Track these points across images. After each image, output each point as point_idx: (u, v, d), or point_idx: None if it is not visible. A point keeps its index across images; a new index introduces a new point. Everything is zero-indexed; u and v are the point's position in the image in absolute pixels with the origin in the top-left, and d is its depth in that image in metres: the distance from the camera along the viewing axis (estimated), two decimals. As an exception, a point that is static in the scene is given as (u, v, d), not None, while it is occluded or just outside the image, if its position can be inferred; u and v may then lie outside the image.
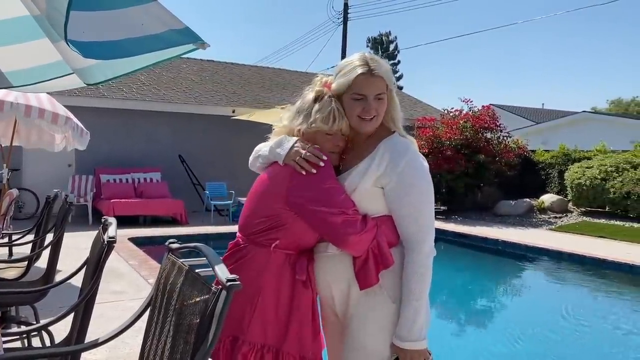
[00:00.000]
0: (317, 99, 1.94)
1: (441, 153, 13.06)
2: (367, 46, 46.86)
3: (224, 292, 1.20)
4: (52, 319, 2.06)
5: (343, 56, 26.39)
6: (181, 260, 1.55)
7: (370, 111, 1.80)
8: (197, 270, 1.45)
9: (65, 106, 6.61)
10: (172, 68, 15.13)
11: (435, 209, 9.18)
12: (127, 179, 11.85)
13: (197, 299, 1.30)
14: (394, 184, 1.76)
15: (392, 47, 46.65)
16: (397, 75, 46.69)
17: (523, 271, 9.23)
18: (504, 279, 8.74)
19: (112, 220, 2.10)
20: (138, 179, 11.96)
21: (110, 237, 1.90)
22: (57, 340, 2.55)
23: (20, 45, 2.19)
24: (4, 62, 2.31)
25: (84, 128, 6.72)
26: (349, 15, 26.89)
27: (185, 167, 12.49)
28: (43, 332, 2.78)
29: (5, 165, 7.07)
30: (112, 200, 10.73)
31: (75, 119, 6.42)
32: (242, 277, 1.49)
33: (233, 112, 12.63)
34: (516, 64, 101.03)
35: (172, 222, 11.17)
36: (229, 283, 1.19)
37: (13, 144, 6.96)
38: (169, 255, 1.62)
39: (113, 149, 12.20)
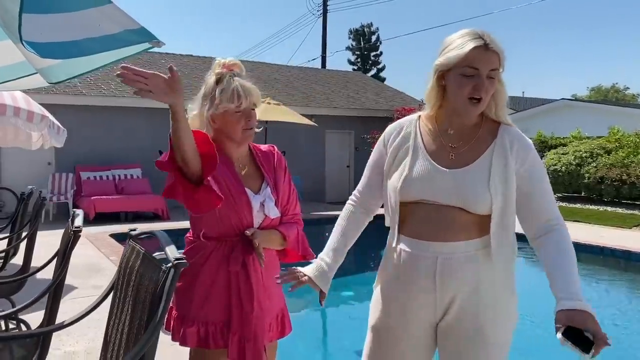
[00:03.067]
0: (219, 80, 2.02)
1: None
2: (349, 38, 46.85)
3: (172, 270, 1.32)
4: (24, 304, 2.16)
5: (324, 48, 26.46)
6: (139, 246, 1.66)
7: (481, 89, 1.63)
8: (155, 255, 1.56)
9: (42, 104, 6.64)
10: (150, 64, 15.10)
11: None
12: (107, 176, 11.86)
13: (150, 278, 1.42)
14: (529, 170, 1.69)
15: (374, 38, 46.73)
16: (380, 66, 46.80)
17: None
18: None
19: (80, 212, 2.20)
20: (118, 176, 11.98)
21: (75, 227, 2.00)
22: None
23: (-15, 46, 2.28)
24: (-30, 62, 2.40)
25: (60, 126, 6.76)
26: (328, 7, 26.95)
27: (166, 163, 12.53)
28: (21, 324, 2.88)
29: (-18, 164, 7.08)
30: (92, 198, 10.75)
31: (51, 117, 6.45)
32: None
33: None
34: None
35: (154, 217, 11.22)
36: (176, 261, 1.31)
37: (-10, 143, 6.98)
38: (130, 242, 1.73)
39: (93, 147, 12.19)
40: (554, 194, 10.48)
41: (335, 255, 1.91)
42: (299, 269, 1.89)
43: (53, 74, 1.90)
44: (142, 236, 1.66)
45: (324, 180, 15.43)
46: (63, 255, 2.15)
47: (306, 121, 11.83)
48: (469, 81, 1.64)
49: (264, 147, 2.27)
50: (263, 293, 2.04)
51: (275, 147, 2.29)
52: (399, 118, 9.21)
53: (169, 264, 1.33)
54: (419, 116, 1.84)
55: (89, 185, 11.35)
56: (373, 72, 46.19)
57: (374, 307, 1.86)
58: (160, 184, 11.74)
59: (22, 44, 1.40)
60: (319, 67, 25.14)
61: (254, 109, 2.05)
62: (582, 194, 12.97)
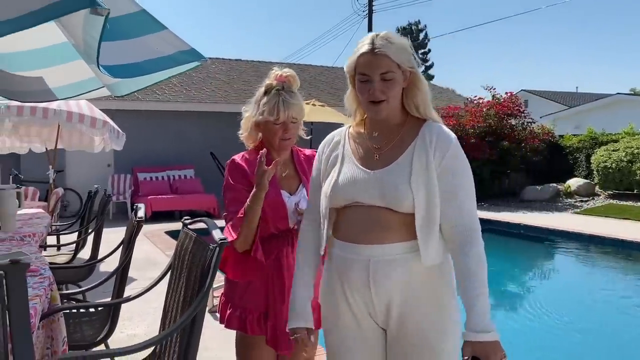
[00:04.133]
0: (266, 92, 2.16)
1: (465, 141, 13.26)
2: (396, 36, 46.74)
3: (217, 248, 1.63)
4: (95, 283, 2.55)
5: (369, 49, 26.60)
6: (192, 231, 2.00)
7: (375, 93, 1.65)
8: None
9: (103, 110, 7.21)
10: (202, 69, 15.74)
11: None
12: (162, 177, 12.53)
13: (201, 256, 1.74)
14: (445, 166, 1.64)
15: (422, 36, 46.44)
16: (428, 64, 46.45)
17: (543, 254, 9.43)
18: (525, 262, 8.95)
19: (141, 206, 2.57)
20: (173, 176, 12.63)
21: (139, 218, 2.36)
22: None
23: (62, 65, 2.69)
24: (50, 79, 2.83)
25: (120, 130, 7.31)
26: (374, 8, 27.06)
27: (216, 163, 13.08)
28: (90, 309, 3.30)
29: (50, 166, 7.74)
30: (149, 197, 11.40)
31: (111, 122, 6.99)
32: None
33: None
34: (548, 48, 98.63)
35: (206, 215, 11.74)
36: (220, 241, 1.63)
37: (57, 147, 7.62)
38: (184, 229, 2.07)
39: (149, 149, 12.88)
40: (604, 190, 10.28)
41: (312, 288, 1.88)
42: (307, 337, 1.83)
43: (118, 89, 2.27)
44: (193, 223, 1.98)
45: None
46: (128, 243, 2.52)
47: (351, 122, 12.04)
48: (365, 86, 1.68)
49: (308, 151, 2.38)
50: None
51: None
52: (444, 116, 9.34)
53: (215, 244, 1.65)
54: (350, 126, 1.88)
55: (145, 186, 12.03)
56: (421, 70, 45.90)
57: (322, 311, 1.86)
58: (211, 184, 12.30)
59: (99, 68, 1.75)
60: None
61: (294, 122, 2.17)
62: (635, 191, 12.66)
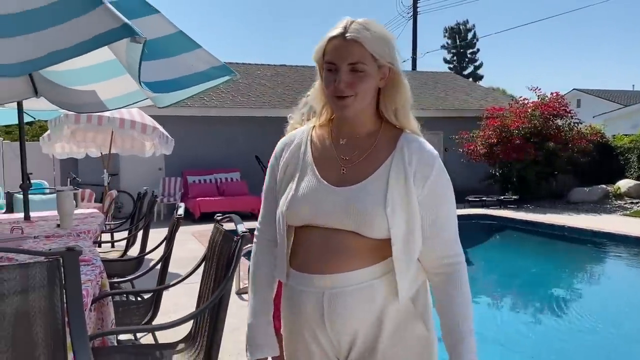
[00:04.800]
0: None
1: (510, 142, 13.15)
2: (444, 36, 46.35)
3: (240, 240, 1.88)
4: (141, 272, 2.86)
5: (414, 50, 26.60)
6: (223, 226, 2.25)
7: (339, 86, 1.38)
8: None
9: (154, 116, 7.66)
10: (247, 74, 16.23)
11: (505, 198, 9.65)
12: (210, 179, 13.06)
13: (227, 247, 1.99)
14: (429, 192, 1.43)
15: (470, 35, 45.85)
16: (477, 63, 45.80)
17: (588, 256, 9.28)
18: (568, 264, 8.85)
19: (182, 205, 2.87)
20: (220, 179, 13.14)
21: (178, 215, 2.66)
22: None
23: (112, 80, 3.02)
24: (102, 92, 3.18)
25: (169, 135, 7.74)
26: (419, 9, 27.03)
27: (261, 166, 13.47)
28: (138, 297, 3.63)
29: (105, 170, 8.27)
30: (197, 199, 11.91)
31: (161, 128, 7.43)
32: None
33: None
34: (602, 46, 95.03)
35: (252, 216, 12.17)
36: (242, 234, 1.88)
37: (111, 152, 8.14)
38: (216, 225, 2.33)
39: (197, 153, 13.42)
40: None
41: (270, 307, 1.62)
42: None
43: (161, 101, 2.56)
44: (224, 220, 2.24)
45: (413, 181, 15.62)
46: (170, 237, 2.82)
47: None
48: (331, 77, 1.41)
49: None
50: None
51: None
52: (488, 118, 9.38)
53: (238, 237, 1.90)
54: (314, 126, 1.59)
55: (194, 188, 12.57)
56: (470, 69, 45.39)
57: (285, 352, 1.61)
58: (255, 186, 12.71)
59: (140, 84, 2.02)
60: (410, 69, 25.34)
61: None
62: (690, 192, 12.24)
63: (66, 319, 1.64)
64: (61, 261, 1.62)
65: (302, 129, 1.60)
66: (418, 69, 25.51)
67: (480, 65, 46.19)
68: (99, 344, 2.26)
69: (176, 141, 8.09)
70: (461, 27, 45.88)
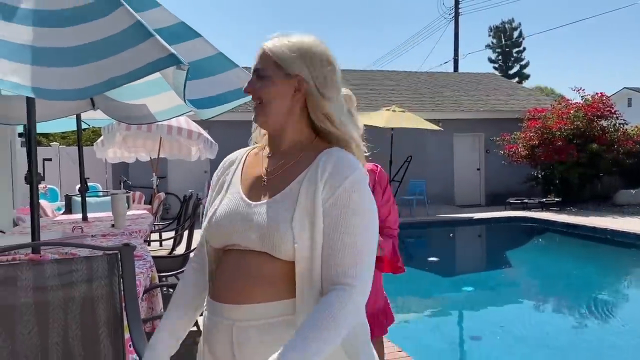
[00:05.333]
0: None
1: (551, 144, 13.02)
2: (489, 35, 45.66)
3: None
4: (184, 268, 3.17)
5: (456, 51, 26.44)
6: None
7: (247, 88, 1.37)
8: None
9: (198, 123, 8.07)
10: (289, 79, 16.60)
11: (548, 200, 9.77)
12: (252, 182, 13.46)
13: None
14: (333, 204, 1.26)
15: (516, 34, 45.02)
16: (523, 62, 44.93)
17: (632, 260, 9.15)
18: (612, 268, 8.75)
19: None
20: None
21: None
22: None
23: (160, 95, 3.36)
24: (152, 105, 3.53)
25: (213, 140, 8.13)
26: (460, 10, 26.84)
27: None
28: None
29: (154, 173, 8.76)
30: (240, 201, 12.33)
31: (205, 134, 7.83)
32: None
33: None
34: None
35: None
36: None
37: (160, 157, 8.62)
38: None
39: (240, 156, 13.85)
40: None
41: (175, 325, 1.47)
42: None
43: (203, 115, 2.85)
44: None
45: (453, 183, 15.67)
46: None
47: (431, 126, 12.24)
48: None
49: (367, 165, 2.35)
50: None
51: (378, 166, 2.37)
52: (530, 119, 9.54)
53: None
54: (257, 145, 1.53)
55: (237, 190, 13.01)
56: (516, 69, 44.59)
57: None
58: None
59: (185, 102, 2.31)
60: (451, 70, 25.23)
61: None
62: None
63: (123, 304, 1.94)
64: (119, 255, 1.92)
65: (245, 148, 1.56)
66: (460, 70, 25.36)
67: (527, 65, 45.29)
68: (149, 330, 2.57)
69: (220, 145, 8.46)
70: (506, 26, 45.08)
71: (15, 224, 5.32)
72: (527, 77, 44.96)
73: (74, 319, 1.87)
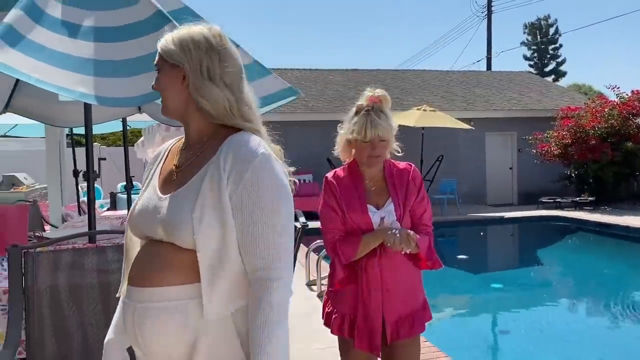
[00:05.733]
0: (357, 112, 2.26)
1: (585, 142, 12.90)
2: (524, 32, 44.85)
3: (300, 230, 2.37)
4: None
5: (489, 49, 26.24)
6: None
7: (152, 84, 1.43)
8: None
9: (232, 124, 8.39)
10: (319, 80, 16.86)
11: (581, 199, 9.88)
12: (285, 181, 13.78)
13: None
14: (242, 193, 1.30)
15: (552, 31, 44.14)
16: (559, 59, 44.00)
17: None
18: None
19: (299, 211, 3.24)
20: (294, 181, 13.75)
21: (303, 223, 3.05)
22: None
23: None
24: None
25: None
26: (493, 8, 26.63)
27: (332, 168, 13.99)
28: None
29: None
30: (273, 199, 12.65)
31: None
32: None
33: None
34: None
35: (324, 217, 12.74)
36: (302, 225, 2.37)
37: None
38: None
39: (273, 156, 14.17)
40: None
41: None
42: None
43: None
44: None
45: (485, 182, 15.63)
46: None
47: (462, 125, 12.28)
48: None
49: (402, 164, 2.39)
50: (384, 293, 2.24)
51: (412, 165, 2.41)
52: (562, 118, 9.62)
53: (299, 227, 2.40)
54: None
55: (270, 189, 13.34)
56: (552, 66, 43.72)
57: None
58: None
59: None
60: (484, 69, 25.05)
61: (382, 141, 2.23)
62: None
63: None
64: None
65: (171, 141, 1.59)
66: (494, 68, 25.15)
67: (563, 62, 44.26)
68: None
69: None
70: (542, 23, 44.15)
71: (64, 220, 5.69)
72: (563, 74, 44.01)
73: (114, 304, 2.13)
